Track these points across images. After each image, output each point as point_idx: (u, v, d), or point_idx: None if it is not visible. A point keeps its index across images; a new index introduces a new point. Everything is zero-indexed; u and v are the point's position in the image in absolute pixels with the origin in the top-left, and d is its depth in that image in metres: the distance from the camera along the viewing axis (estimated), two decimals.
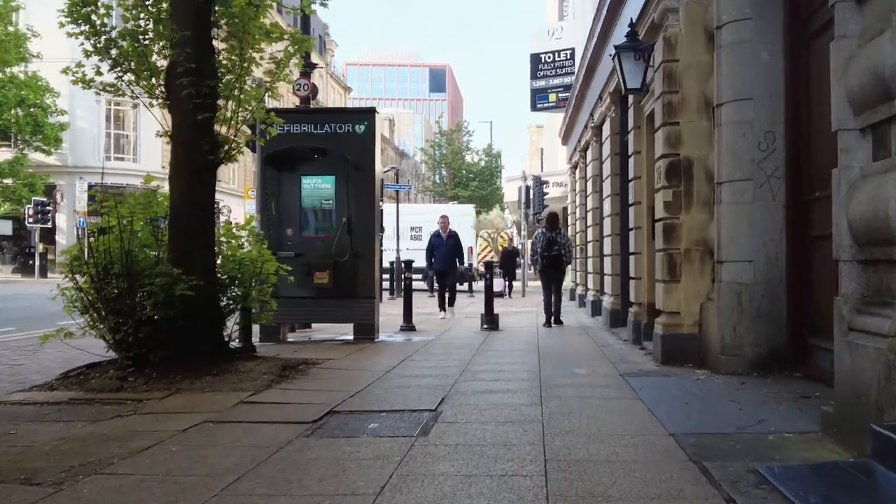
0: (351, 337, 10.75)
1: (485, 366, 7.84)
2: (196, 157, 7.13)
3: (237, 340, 9.18)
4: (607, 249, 12.76)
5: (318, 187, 11.00)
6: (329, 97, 75.06)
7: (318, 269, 10.65)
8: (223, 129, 7.57)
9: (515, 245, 28.32)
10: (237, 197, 48.14)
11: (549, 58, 28.15)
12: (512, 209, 41.55)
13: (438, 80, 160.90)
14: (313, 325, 12.17)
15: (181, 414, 5.38)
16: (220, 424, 5.04)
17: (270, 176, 10.86)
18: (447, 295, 15.62)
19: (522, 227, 28.94)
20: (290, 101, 18.47)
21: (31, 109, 38.63)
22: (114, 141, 43.42)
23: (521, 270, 28.15)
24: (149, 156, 43.01)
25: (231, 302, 7.73)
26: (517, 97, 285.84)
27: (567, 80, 25.96)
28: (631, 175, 10.07)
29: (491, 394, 6.09)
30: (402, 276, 12.49)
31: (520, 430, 4.73)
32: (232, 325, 8.11)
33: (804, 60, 6.74)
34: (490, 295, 12.44)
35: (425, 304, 19.09)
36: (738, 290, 6.90)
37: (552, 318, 13.10)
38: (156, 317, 6.71)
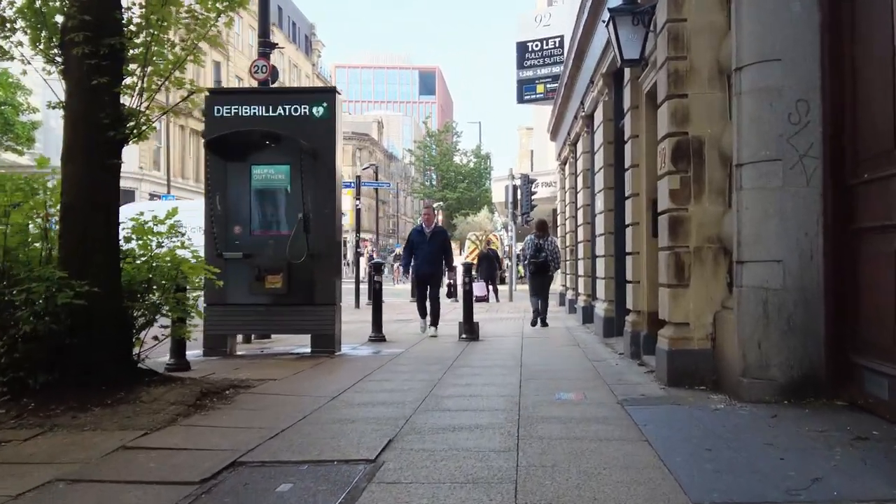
0: (311, 349, 9.39)
1: (455, 388, 6.48)
2: (93, 132, 5.75)
3: (169, 356, 7.90)
4: (600, 250, 11.44)
5: (270, 178, 9.62)
6: None
7: (270, 272, 9.28)
8: (136, 102, 6.20)
9: (498, 247, 26.94)
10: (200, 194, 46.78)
11: (536, 46, 26.73)
12: (500, 211, 40.23)
13: (428, 82, 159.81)
14: (274, 335, 10.81)
15: (34, 466, 4.00)
16: (73, 485, 3.67)
17: (215, 165, 9.48)
18: (430, 308, 12.04)
19: (510, 229, 27.61)
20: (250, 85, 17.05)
21: (2, 107, 37.10)
22: None
23: (510, 274, 26.80)
24: (126, 156, 41.42)
25: (145, 313, 6.34)
26: (508, 100, 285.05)
27: (556, 69, 24.61)
28: (628, 163, 8.74)
29: (454, 432, 4.73)
30: (372, 280, 11.13)
31: (484, 497, 3.38)
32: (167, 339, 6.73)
33: (846, 10, 5.44)
34: (469, 301, 11.09)
35: (402, 311, 17.73)
36: (763, 296, 5.57)
37: (539, 319, 13.71)
38: (37, 331, 5.33)
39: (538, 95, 26.82)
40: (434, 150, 64.78)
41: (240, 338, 10.61)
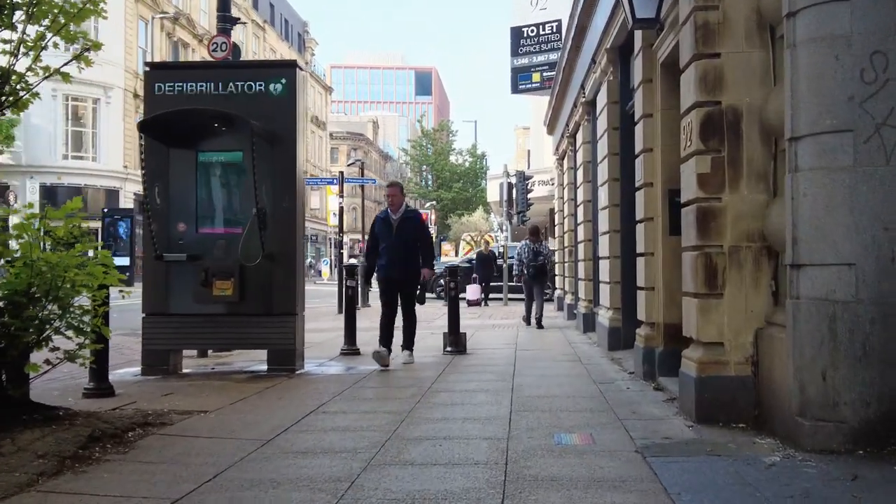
0: (267, 368, 8.02)
1: (426, 427, 5.11)
2: None
3: (88, 379, 6.57)
4: (603, 250, 10.09)
5: (220, 167, 8.26)
6: (308, 98, 72.32)
7: (219, 276, 7.89)
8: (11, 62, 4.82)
9: (492, 248, 25.57)
10: None
11: (532, 31, 25.19)
12: (496, 211, 38.90)
13: (424, 82, 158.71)
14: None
15: None
16: None
17: (154, 152, 8.09)
18: (403, 327, 8.82)
19: (505, 228, 26.26)
20: None
21: None
22: (72, 139, 40.44)
23: (504, 276, 25.41)
24: (109, 154, 40.25)
25: (32, 331, 4.94)
26: (505, 101, 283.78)
27: (553, 56, 23.18)
28: (639, 147, 7.38)
29: None
30: (344, 285, 9.77)
31: None
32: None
33: None
34: (455, 308, 9.72)
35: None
36: (829, 311, 4.21)
37: (535, 321, 13.96)
38: None
39: (534, 84, 25.34)
40: (430, 149, 63.56)
41: (196, 351, 9.28)
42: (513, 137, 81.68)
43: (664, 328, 6.78)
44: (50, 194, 38.73)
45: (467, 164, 63.20)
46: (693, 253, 5.25)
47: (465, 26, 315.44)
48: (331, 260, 51.95)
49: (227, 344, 8.55)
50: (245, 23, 34.84)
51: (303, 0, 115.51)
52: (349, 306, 9.74)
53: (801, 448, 4.20)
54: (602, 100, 9.95)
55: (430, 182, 63.49)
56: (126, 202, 39.91)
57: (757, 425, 4.86)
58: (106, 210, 35.70)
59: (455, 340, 9.55)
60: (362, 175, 23.52)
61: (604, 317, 9.92)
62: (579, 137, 13.17)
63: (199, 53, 48.45)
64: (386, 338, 8.53)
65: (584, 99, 12.16)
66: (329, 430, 5.01)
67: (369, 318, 16.15)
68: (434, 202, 47.37)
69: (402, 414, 5.53)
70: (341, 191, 18.06)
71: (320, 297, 22.47)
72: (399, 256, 8.59)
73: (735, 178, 5.09)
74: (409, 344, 8.83)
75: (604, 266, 10.08)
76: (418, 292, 8.85)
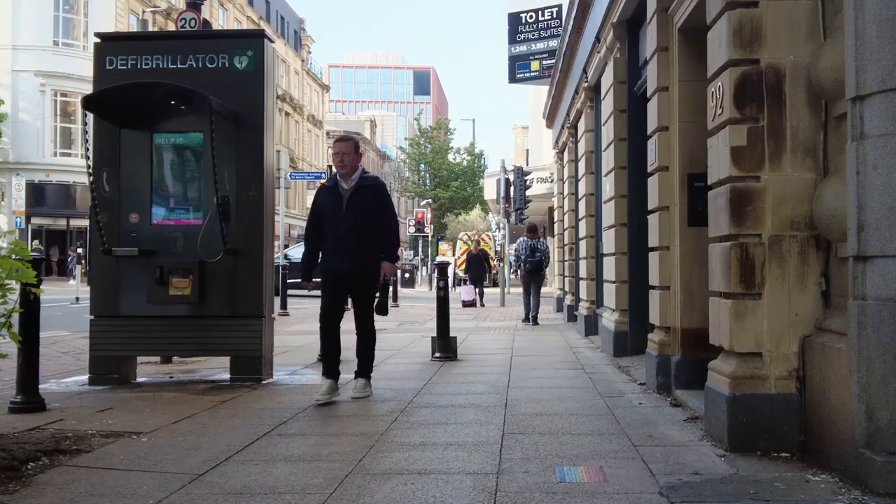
0: (230, 377, 7.11)
1: (399, 457, 4.18)
2: None
3: (15, 391, 5.68)
4: (608, 246, 9.18)
5: (178, 151, 7.34)
6: (305, 96, 71.44)
7: (176, 273, 6.98)
8: None
9: (490, 248, 24.66)
10: None
11: (530, 17, 24.14)
12: (493, 209, 37.94)
13: (423, 82, 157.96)
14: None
15: None
16: None
17: (104, 132, 7.19)
18: (358, 343, 6.55)
19: (502, 227, 25.37)
20: None
21: None
22: (60, 135, 39.49)
23: (501, 276, 24.52)
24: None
25: None
26: (504, 100, 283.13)
27: (552, 43, 22.18)
28: (652, 127, 6.46)
29: None
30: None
31: None
32: None
33: None
34: (444, 310, 8.79)
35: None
36: None
37: (531, 318, 14.48)
38: None
39: (532, 73, 24.30)
40: (427, 147, 62.66)
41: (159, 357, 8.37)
42: (511, 137, 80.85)
43: (682, 334, 5.86)
44: (38, 192, 37.82)
45: (465, 162, 62.25)
46: (724, 245, 4.33)
47: (464, 26, 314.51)
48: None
49: (185, 350, 7.61)
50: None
51: (302, 1, 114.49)
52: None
53: (870, 490, 3.29)
54: (607, 80, 9.03)
55: (427, 181, 62.56)
56: None
57: (805, 456, 3.95)
58: None
59: (444, 345, 8.63)
60: None
61: (608, 320, 9.00)
62: (581, 126, 12.26)
63: None
64: (331, 363, 6.20)
65: (586, 84, 11.25)
66: (279, 461, 4.09)
67: (347, 319, 15.14)
68: (429, 200, 46.39)
69: (374, 437, 4.61)
70: None
71: (311, 296, 21.49)
72: (350, 242, 6.12)
73: (777, 153, 4.17)
74: (365, 369, 6.41)
75: (608, 264, 9.17)
76: (377, 299, 6.53)
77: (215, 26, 51.70)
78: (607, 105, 9.05)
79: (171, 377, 7.54)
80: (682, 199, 5.92)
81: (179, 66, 7.20)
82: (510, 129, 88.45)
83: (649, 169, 6.51)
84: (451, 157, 63.49)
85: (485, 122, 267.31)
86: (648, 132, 6.52)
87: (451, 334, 8.89)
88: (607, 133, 9.06)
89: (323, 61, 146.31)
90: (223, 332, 7.07)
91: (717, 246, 4.50)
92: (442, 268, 8.90)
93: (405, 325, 14.51)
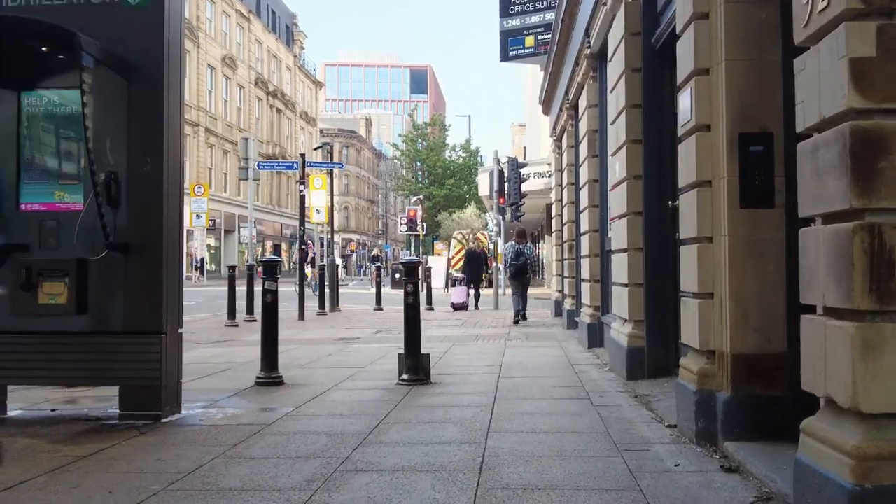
0: (119, 412, 5.34)
1: None
2: None
3: None
4: (617, 241, 7.42)
5: (52, 113, 5.57)
6: (298, 93, 69.67)
7: (47, 276, 5.23)
8: None
9: (482, 247, 22.95)
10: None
11: None
12: (487, 205, 36.11)
13: (420, 80, 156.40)
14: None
15: None
16: None
17: None
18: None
19: (496, 223, 23.60)
20: None
21: None
22: None
23: (496, 277, 22.74)
24: None
25: None
26: (502, 100, 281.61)
27: (548, 16, 20.29)
28: (686, 72, 4.65)
29: None
30: (263, 288, 7.05)
31: None
32: None
33: None
34: (412, 322, 6.98)
35: (359, 322, 13.72)
36: None
37: (519, 316, 14.74)
38: None
39: (527, 50, 22.31)
40: (421, 144, 60.97)
41: None
42: (509, 135, 79.04)
43: (732, 361, 4.10)
44: None
45: (461, 159, 60.48)
46: (836, 228, 2.57)
47: (461, 24, 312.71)
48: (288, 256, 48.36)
49: (58, 378, 5.75)
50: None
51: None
52: (267, 320, 7.01)
53: None
54: (616, 35, 7.26)
55: (420, 178, 60.84)
56: None
57: None
58: None
59: (413, 365, 6.85)
60: (331, 158, 20.69)
61: (619, 332, 7.22)
62: (582, 102, 10.47)
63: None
64: None
65: (588, 50, 9.47)
66: None
67: (331, 328, 13.45)
68: (420, 197, 44.59)
69: None
70: (302, 176, 15.34)
71: (288, 298, 19.69)
72: None
73: None
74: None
75: (618, 262, 7.39)
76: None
77: (202, 20, 50.20)
78: (616, 66, 7.27)
79: (53, 410, 5.76)
80: (730, 169, 4.16)
81: (56, 1, 5.44)
82: (507, 128, 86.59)
83: (681, 130, 4.73)
84: (446, 154, 61.76)
85: (482, 119, 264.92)
86: (680, 80, 4.74)
87: (428, 347, 7.16)
88: (616, 101, 7.29)
89: (318, 60, 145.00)
90: (109, 353, 5.31)
91: (820, 230, 2.73)
92: (410, 268, 7.08)
93: (383, 332, 12.76)
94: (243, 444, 4.54)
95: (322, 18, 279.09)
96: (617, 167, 7.29)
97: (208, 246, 48.78)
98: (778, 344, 4.07)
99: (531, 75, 35.29)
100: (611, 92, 7.68)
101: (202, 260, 44.55)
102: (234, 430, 4.92)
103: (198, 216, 41.33)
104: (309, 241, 17.27)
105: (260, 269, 7.10)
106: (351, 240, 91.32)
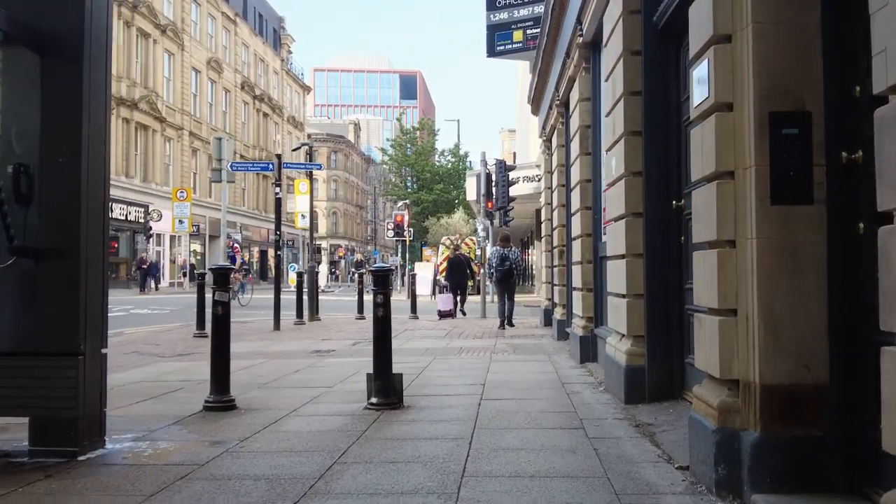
0: (28, 447, 4.50)
1: None
2: None
3: None
4: (613, 246, 6.63)
5: None
6: (285, 97, 68.82)
7: None
8: None
9: (473, 252, 22.19)
10: (162, 198, 41.69)
11: None
12: (475, 209, 35.33)
13: (409, 86, 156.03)
14: None
15: None
16: None
17: None
18: None
19: (486, 228, 22.80)
20: None
21: None
22: None
23: (482, 285, 21.95)
24: None
25: None
26: (492, 105, 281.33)
27: (538, 8, 19.50)
28: (701, 39, 3.84)
29: None
30: (214, 299, 6.20)
31: None
32: None
33: None
34: (383, 338, 6.13)
35: (338, 332, 12.89)
36: None
37: (506, 321, 14.99)
38: None
39: (515, 45, 21.44)
40: (410, 149, 60.18)
41: None
42: (498, 140, 78.36)
43: (762, 393, 3.32)
44: None
45: (449, 164, 59.68)
46: None
47: (452, 30, 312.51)
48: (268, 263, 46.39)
49: None
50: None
51: (289, 4, 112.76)
52: (218, 333, 6.17)
53: None
54: (613, 15, 6.48)
55: (409, 184, 60.02)
56: None
57: None
58: None
59: (383, 387, 6.03)
60: (310, 159, 19.83)
61: (616, 349, 6.42)
62: (574, 96, 9.69)
63: (162, 45, 44.87)
64: None
65: (581, 39, 8.71)
66: None
67: (305, 336, 12.43)
68: (406, 201, 43.68)
69: None
70: (278, 177, 14.50)
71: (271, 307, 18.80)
72: None
73: None
74: None
75: (614, 269, 6.60)
76: None
77: (187, 23, 49.28)
78: (612, 51, 6.49)
79: None
80: (759, 157, 3.38)
81: None
82: (497, 133, 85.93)
83: (695, 113, 3.93)
84: (435, 158, 61.00)
85: (472, 125, 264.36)
86: (693, 52, 3.95)
87: (407, 362, 6.34)
88: (612, 90, 6.51)
89: (308, 65, 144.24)
90: (15, 378, 4.48)
91: None
92: (381, 277, 6.24)
93: (361, 343, 11.93)
94: (163, 494, 3.71)
95: (313, 24, 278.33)
96: (613, 163, 6.51)
97: (194, 251, 47.88)
98: (819, 373, 3.29)
99: (521, 80, 34.58)
100: (605, 81, 6.90)
101: (191, 266, 43.51)
102: (158, 473, 4.09)
103: (180, 221, 40.39)
104: (235, 245, 16.38)
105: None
106: (339, 245, 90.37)
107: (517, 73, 39.17)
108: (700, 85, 3.79)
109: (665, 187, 5.73)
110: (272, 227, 60.92)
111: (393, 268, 17.11)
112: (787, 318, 3.32)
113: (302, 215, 22.83)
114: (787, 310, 3.32)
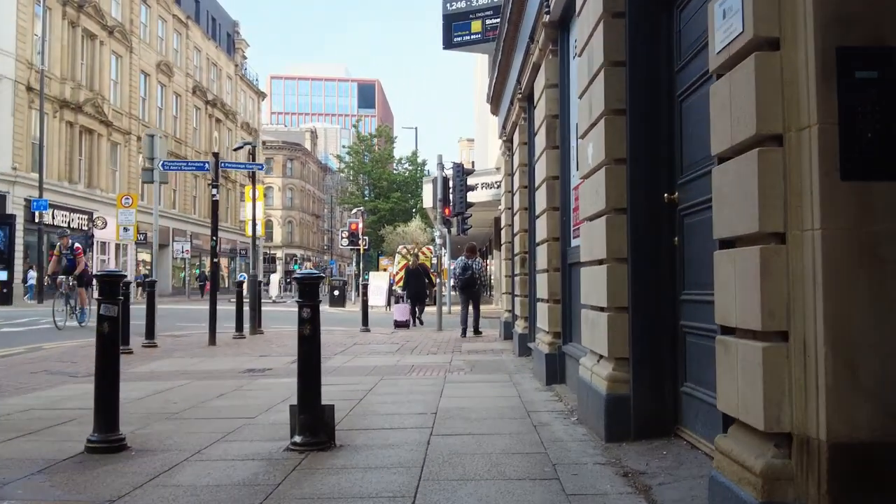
0: None
1: None
2: None
3: None
4: (588, 250, 5.58)
5: None
6: (239, 103, 67.04)
7: None
8: None
9: (430, 261, 21.18)
10: (109, 205, 39.78)
11: None
12: (431, 216, 34.28)
13: (367, 95, 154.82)
14: None
15: None
16: None
17: None
18: None
19: (443, 236, 21.75)
20: None
21: None
22: None
23: (442, 293, 20.86)
24: None
25: None
26: (450, 114, 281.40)
27: None
28: None
29: None
30: (99, 314, 4.98)
31: None
32: None
33: None
34: (308, 366, 4.94)
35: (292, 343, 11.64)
36: None
37: (471, 329, 15.14)
38: None
39: (473, 36, 20.29)
40: (367, 156, 58.99)
41: None
42: (457, 149, 77.55)
43: (831, 455, 2.25)
44: None
45: (407, 173, 58.62)
46: None
47: (410, 39, 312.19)
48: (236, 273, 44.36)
49: None
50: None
51: (248, 11, 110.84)
52: (103, 355, 4.94)
53: None
54: None
55: (366, 192, 58.77)
56: (15, 208, 34.25)
57: None
58: None
59: (310, 422, 4.85)
60: (253, 159, 18.55)
61: (594, 373, 5.34)
62: (539, 84, 8.66)
63: (109, 47, 43.01)
64: None
65: (548, 17, 7.69)
66: None
67: (242, 352, 11.00)
68: (361, 209, 42.41)
69: None
70: (215, 178, 13.20)
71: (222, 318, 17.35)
72: None
73: None
74: None
75: (591, 278, 5.53)
76: None
77: (136, 25, 47.44)
78: (589, 16, 5.45)
79: None
80: (822, 112, 2.33)
81: None
82: (455, 143, 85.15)
83: (718, 60, 2.88)
84: (393, 166, 59.93)
85: (430, 134, 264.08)
86: None
87: (350, 383, 5.22)
88: (588, 63, 5.47)
89: (265, 73, 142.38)
90: None
91: None
92: (307, 286, 5.05)
93: None
94: None
95: (271, 33, 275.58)
96: (590, 151, 5.45)
97: (143, 261, 46.00)
98: None
99: (479, 87, 33.74)
100: (579, 56, 5.85)
101: (144, 276, 41.58)
102: None
103: (125, 229, 38.45)
104: (77, 246, 15.04)
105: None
106: (295, 255, 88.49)
107: (475, 79, 38.35)
108: (727, 18, 2.74)
109: (655, 177, 4.70)
110: (225, 235, 58.90)
111: (323, 275, 16.22)
112: (866, 344, 2.27)
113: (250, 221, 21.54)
114: (868, 332, 2.27)
